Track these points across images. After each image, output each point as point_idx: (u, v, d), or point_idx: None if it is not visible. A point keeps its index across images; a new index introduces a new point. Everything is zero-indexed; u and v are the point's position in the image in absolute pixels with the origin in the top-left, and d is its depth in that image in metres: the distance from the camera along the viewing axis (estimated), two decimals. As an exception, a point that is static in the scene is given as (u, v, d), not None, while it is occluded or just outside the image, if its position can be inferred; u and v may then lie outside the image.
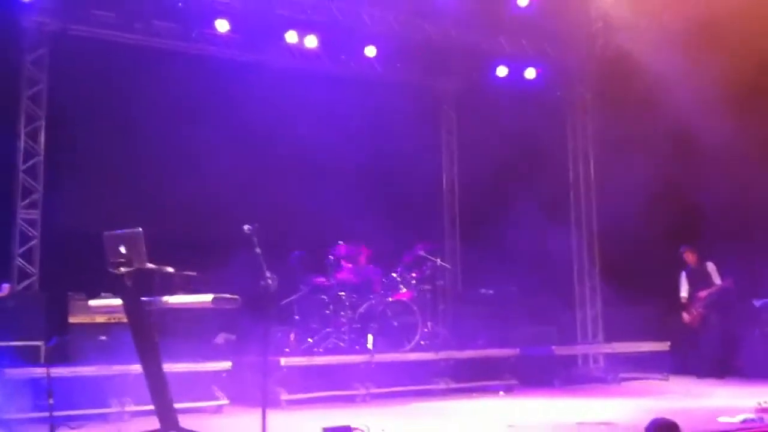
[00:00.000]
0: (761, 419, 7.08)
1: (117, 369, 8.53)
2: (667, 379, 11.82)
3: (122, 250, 6.44)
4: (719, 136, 12.14)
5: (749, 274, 12.08)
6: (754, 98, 12.38)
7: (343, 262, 11.53)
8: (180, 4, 12.00)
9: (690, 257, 12.51)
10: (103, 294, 7.86)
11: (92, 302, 7.59)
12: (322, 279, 11.18)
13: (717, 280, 12.24)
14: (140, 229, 6.45)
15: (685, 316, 12.50)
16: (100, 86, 11.76)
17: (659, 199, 12.75)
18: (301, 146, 12.76)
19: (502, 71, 14.35)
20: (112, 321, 9.03)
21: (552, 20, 13.29)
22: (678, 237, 12.75)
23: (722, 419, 7.35)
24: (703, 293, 12.15)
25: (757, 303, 12.27)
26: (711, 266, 12.31)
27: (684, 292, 12.55)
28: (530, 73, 14.50)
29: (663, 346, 12.04)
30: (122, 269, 6.41)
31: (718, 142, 12.16)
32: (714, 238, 12.16)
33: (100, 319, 9.17)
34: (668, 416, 5.87)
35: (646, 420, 5.88)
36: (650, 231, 12.86)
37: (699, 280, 12.36)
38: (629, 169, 12.96)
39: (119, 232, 6.53)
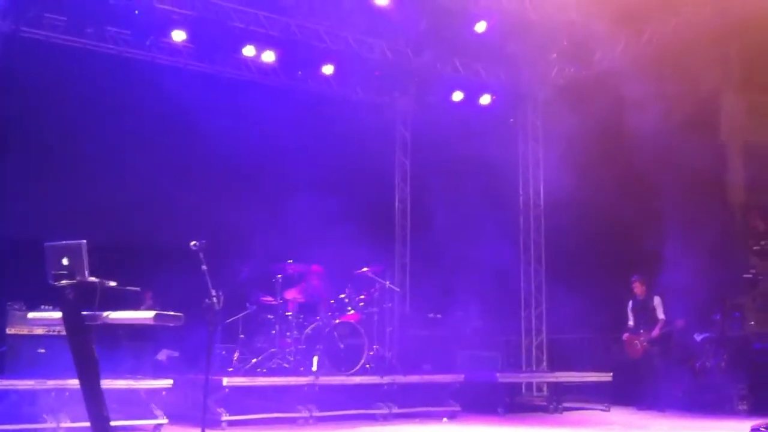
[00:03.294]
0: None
1: (53, 383, 8.27)
2: (608, 410, 11.88)
3: (64, 261, 6.22)
4: (670, 166, 12.34)
5: (693, 308, 12.23)
6: (701, 127, 12.62)
7: (291, 282, 11.42)
8: (136, 12, 11.81)
9: (639, 288, 12.61)
10: (42, 306, 7.64)
11: (31, 314, 7.35)
12: (269, 298, 11.05)
13: (661, 314, 12.36)
14: (84, 241, 6.26)
15: (628, 345, 12.59)
16: (49, 90, 11.54)
17: (608, 229, 12.88)
18: (255, 161, 12.65)
19: (457, 96, 14.43)
20: (52, 333, 8.77)
21: (507, 47, 13.38)
22: (625, 268, 12.87)
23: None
24: (656, 332, 12.27)
25: (698, 337, 12.43)
26: (657, 300, 12.43)
27: (631, 322, 12.67)
28: (485, 99, 14.61)
29: (605, 376, 12.11)
30: (63, 281, 6.20)
31: (668, 172, 12.35)
32: (661, 268, 12.29)
33: (38, 331, 8.89)
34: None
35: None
36: (598, 261, 12.99)
37: (644, 312, 12.48)
38: (579, 197, 13.10)
39: (61, 243, 6.32)
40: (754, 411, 11.06)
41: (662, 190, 12.42)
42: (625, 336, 12.62)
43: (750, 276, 12.28)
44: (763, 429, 8.45)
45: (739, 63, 12.26)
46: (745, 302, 12.68)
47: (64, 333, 6.64)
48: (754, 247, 12.73)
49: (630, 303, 12.73)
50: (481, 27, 12.71)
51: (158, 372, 9.70)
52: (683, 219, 12.21)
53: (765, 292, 12.32)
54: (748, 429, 8.65)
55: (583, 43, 13.10)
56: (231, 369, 10.40)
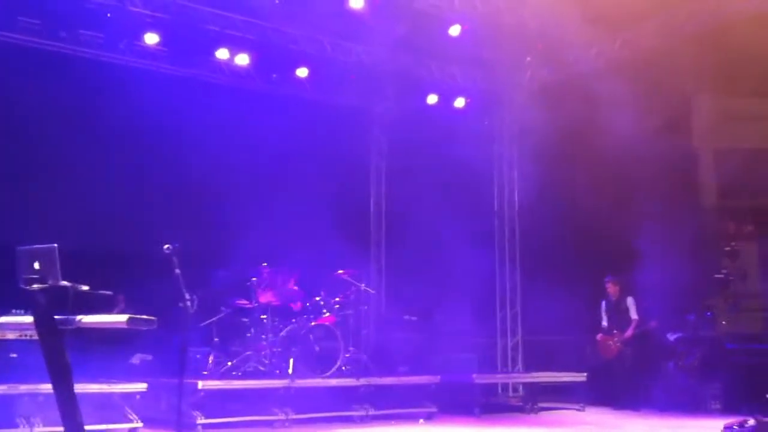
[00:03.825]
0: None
1: (26, 388, 8.21)
2: (583, 410, 11.96)
3: (36, 266, 6.16)
4: (644, 169, 12.47)
5: (666, 308, 12.34)
6: (674, 131, 12.76)
7: (266, 285, 11.39)
8: (108, 15, 11.75)
9: (612, 289, 12.71)
10: (14, 311, 7.59)
11: (2, 319, 7.28)
12: (244, 301, 11.02)
13: (634, 314, 12.46)
14: (55, 245, 6.21)
15: (602, 345, 12.67)
16: (22, 94, 11.43)
17: (582, 231, 12.98)
18: (229, 164, 12.62)
19: (432, 99, 14.48)
20: (24, 338, 8.71)
21: (482, 51, 13.44)
22: (599, 269, 12.96)
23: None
24: (629, 332, 12.36)
25: (671, 337, 12.55)
26: (630, 301, 12.53)
27: (604, 322, 12.76)
28: (459, 102, 14.68)
29: (580, 377, 12.19)
30: (35, 286, 6.15)
31: (641, 174, 12.47)
32: (635, 269, 12.39)
33: (11, 335, 8.81)
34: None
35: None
36: (572, 262, 13.09)
37: (617, 312, 12.58)
38: (553, 199, 13.19)
39: (33, 247, 6.27)
40: (727, 410, 11.20)
41: (636, 192, 12.56)
42: (599, 336, 12.72)
43: (722, 276, 12.44)
44: (736, 427, 8.54)
45: (712, 68, 12.40)
46: (717, 302, 12.84)
47: (36, 337, 6.59)
48: (726, 248, 12.90)
49: (603, 303, 12.82)
50: (455, 30, 12.75)
51: (132, 376, 9.66)
52: (656, 221, 12.33)
53: (736, 292, 12.48)
54: (722, 427, 8.75)
55: (557, 46, 13.18)
56: (206, 372, 10.36)
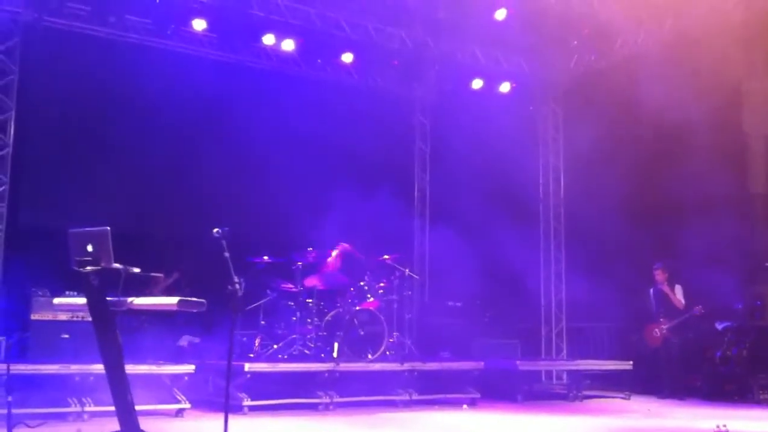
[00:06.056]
0: (720, 441, 7.10)
1: (78, 368, 8.39)
2: (628, 398, 11.87)
3: (89, 248, 6.28)
4: (688, 154, 12.28)
5: (714, 297, 12.17)
6: (723, 117, 12.55)
7: (311, 269, 11.46)
8: (156, 0, 11.89)
9: (660, 276, 12.54)
10: (67, 292, 7.75)
11: (56, 300, 7.45)
12: (289, 285, 11.10)
13: (681, 300, 12.30)
14: (108, 227, 6.32)
15: (648, 333, 12.54)
16: (72, 79, 11.64)
17: (628, 217, 12.84)
18: (274, 149, 12.68)
19: (477, 83, 14.41)
20: (76, 319, 8.89)
21: (527, 36, 13.34)
22: (646, 257, 12.83)
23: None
24: (676, 320, 12.20)
25: (719, 326, 12.38)
26: (678, 288, 12.37)
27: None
28: (504, 87, 14.59)
29: (625, 364, 12.09)
30: (88, 267, 6.26)
31: (689, 160, 12.30)
32: (682, 257, 12.25)
33: (63, 316, 9.01)
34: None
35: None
36: (618, 248, 12.97)
37: (665, 300, 12.43)
38: (599, 185, 13.07)
39: (86, 229, 6.39)
40: (775, 400, 11.06)
41: (683, 179, 12.37)
42: (646, 325, 12.57)
43: (771, 265, 12.24)
44: None
45: (762, 53, 12.17)
46: (766, 291, 12.63)
47: (87, 319, 6.74)
48: (777, 236, 12.68)
49: (651, 291, 12.66)
50: (501, 14, 12.68)
51: (180, 358, 9.81)
52: (705, 208, 12.16)
53: (787, 280, 12.28)
54: None
55: (603, 31, 13.03)
56: (252, 355, 10.49)
